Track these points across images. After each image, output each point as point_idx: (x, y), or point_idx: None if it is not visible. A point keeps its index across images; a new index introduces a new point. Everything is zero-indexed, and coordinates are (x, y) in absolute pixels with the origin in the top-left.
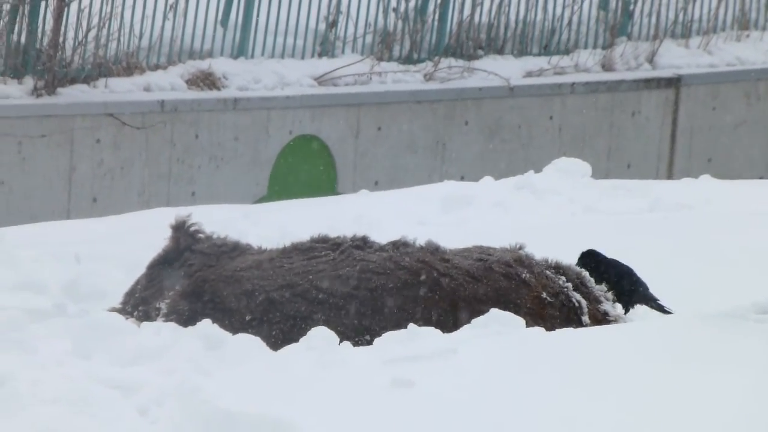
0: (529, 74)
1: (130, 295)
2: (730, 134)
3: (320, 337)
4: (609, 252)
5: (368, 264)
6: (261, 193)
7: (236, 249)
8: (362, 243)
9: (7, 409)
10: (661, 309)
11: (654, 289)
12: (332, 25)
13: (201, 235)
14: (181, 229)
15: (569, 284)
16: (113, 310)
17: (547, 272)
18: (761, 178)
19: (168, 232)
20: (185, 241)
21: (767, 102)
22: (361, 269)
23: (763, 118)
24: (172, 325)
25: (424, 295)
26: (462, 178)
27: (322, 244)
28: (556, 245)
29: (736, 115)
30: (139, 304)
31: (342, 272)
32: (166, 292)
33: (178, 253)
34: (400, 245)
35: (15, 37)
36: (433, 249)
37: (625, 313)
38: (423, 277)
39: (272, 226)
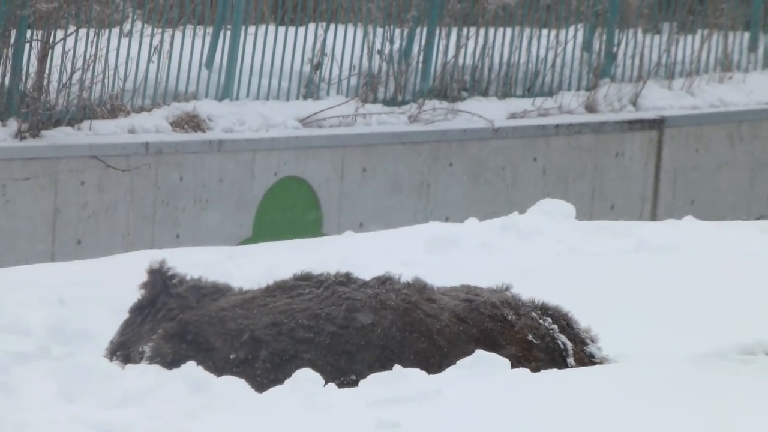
0: (513, 116)
1: (111, 341)
2: (713, 175)
3: (305, 378)
4: (594, 293)
5: (354, 302)
6: (246, 234)
7: (217, 290)
8: (346, 279)
9: None
10: None
11: (639, 330)
12: (317, 67)
13: (176, 279)
14: (156, 273)
15: (555, 326)
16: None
17: (533, 314)
18: (744, 219)
19: (144, 277)
20: (161, 285)
21: (750, 144)
22: (348, 308)
23: (746, 160)
24: (157, 367)
25: (410, 335)
26: (447, 219)
27: (306, 282)
28: (542, 286)
29: (719, 157)
30: (117, 349)
31: (327, 310)
32: (145, 336)
33: (154, 297)
34: (384, 281)
35: None
36: (420, 287)
37: None
38: (408, 318)
39: (257, 267)
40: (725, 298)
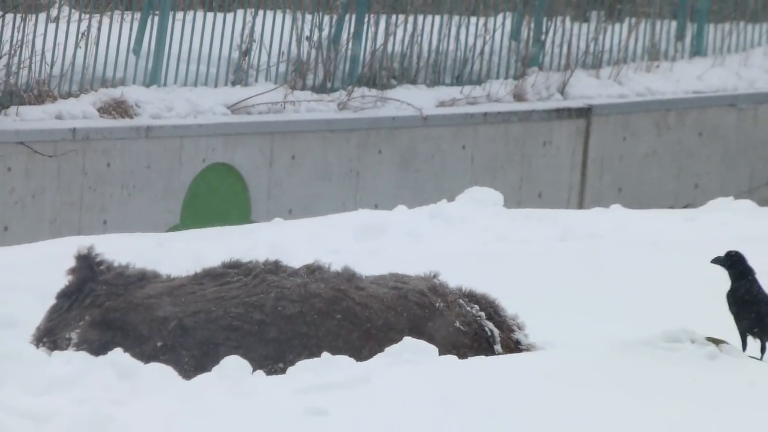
0: (441, 104)
1: (37, 327)
2: (640, 164)
3: (233, 365)
4: (521, 281)
5: (283, 291)
6: (173, 221)
7: (144, 278)
8: (275, 268)
9: None
10: None
11: (565, 317)
12: (245, 53)
13: (104, 266)
14: (83, 259)
15: (482, 313)
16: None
17: (461, 301)
18: (671, 207)
19: (71, 263)
20: (88, 271)
21: (677, 132)
22: (276, 296)
23: (673, 148)
24: (84, 354)
25: (339, 323)
26: (376, 207)
27: (234, 270)
28: (470, 274)
29: (647, 145)
30: (44, 335)
31: (256, 299)
32: (73, 322)
33: (82, 283)
34: (314, 269)
35: None
36: (348, 276)
37: (762, 351)
38: (337, 306)
39: (185, 254)
40: (652, 286)
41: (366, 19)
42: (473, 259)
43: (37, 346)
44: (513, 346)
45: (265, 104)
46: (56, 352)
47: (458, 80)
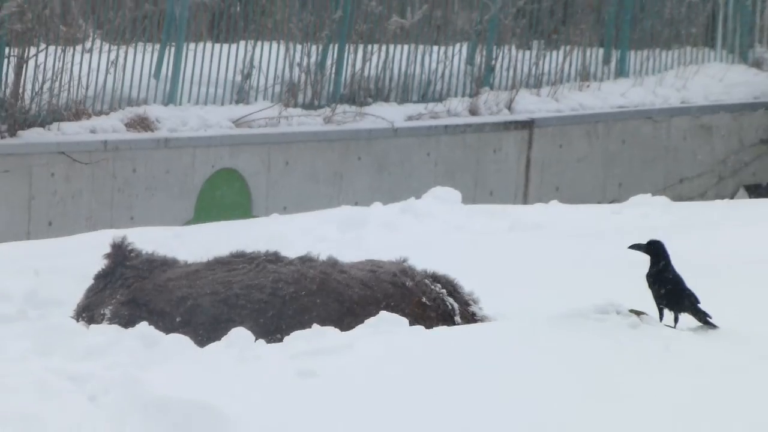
0: (410, 118)
1: (77, 304)
2: (574, 167)
3: (239, 336)
4: (476, 264)
5: (280, 275)
6: (188, 217)
7: (165, 263)
8: (274, 257)
9: None
10: (707, 322)
11: (513, 293)
12: (247, 77)
13: (133, 253)
14: (117, 247)
15: (444, 290)
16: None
17: (426, 281)
18: (599, 202)
19: (108, 250)
20: (120, 257)
21: (604, 140)
22: (274, 279)
23: (601, 154)
24: (115, 327)
25: (326, 301)
26: (356, 204)
27: (240, 258)
28: (434, 258)
29: (579, 152)
30: (83, 311)
31: (258, 282)
32: (107, 300)
33: (115, 267)
34: (306, 260)
35: None
36: (332, 263)
37: (676, 321)
38: (324, 287)
39: (198, 244)
40: (584, 267)
41: (347, 48)
42: (437, 246)
43: (77, 320)
44: (470, 317)
45: (264, 119)
46: (93, 326)
47: (423, 98)
